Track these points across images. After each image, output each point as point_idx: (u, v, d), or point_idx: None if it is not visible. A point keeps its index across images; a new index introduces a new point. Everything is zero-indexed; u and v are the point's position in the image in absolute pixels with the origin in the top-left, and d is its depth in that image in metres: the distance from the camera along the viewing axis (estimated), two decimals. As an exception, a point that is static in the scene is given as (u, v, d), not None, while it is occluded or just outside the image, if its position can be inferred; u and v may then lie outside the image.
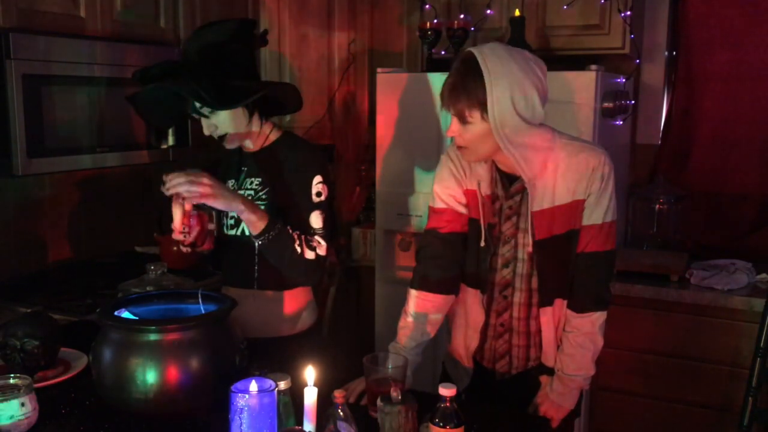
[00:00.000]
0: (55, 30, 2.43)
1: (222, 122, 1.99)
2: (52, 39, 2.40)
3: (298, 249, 1.95)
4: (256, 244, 1.96)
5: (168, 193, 1.84)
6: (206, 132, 2.03)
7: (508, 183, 1.85)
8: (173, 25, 2.90)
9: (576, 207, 1.80)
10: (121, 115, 2.64)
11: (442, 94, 1.75)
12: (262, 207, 2.02)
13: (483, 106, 1.68)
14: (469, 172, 1.87)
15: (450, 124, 1.76)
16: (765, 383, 2.50)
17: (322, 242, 2.01)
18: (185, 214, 1.90)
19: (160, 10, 2.85)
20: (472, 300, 1.95)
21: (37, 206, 2.82)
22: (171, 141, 2.84)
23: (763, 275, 2.88)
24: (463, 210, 1.90)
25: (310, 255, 1.97)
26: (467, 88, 1.69)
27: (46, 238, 2.86)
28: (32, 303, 2.42)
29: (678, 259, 3.03)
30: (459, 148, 1.80)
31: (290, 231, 1.96)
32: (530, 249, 1.83)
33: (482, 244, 1.88)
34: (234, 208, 1.89)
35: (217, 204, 1.86)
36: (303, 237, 1.98)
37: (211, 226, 2.08)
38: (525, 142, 1.72)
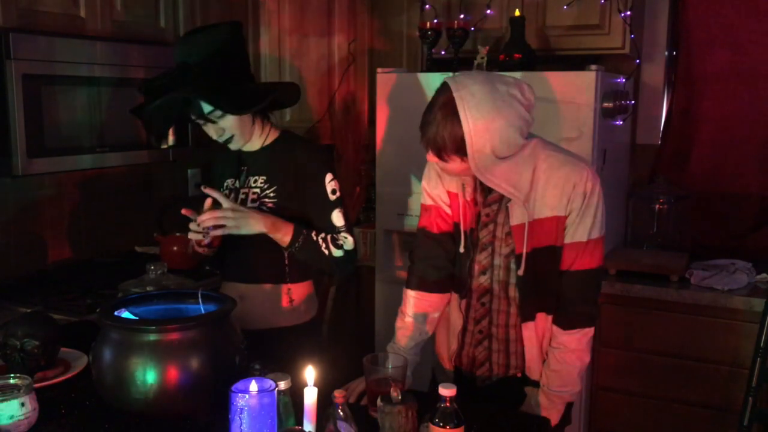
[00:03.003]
0: (55, 30, 2.43)
1: (229, 126, 2.04)
2: (52, 39, 2.40)
3: (326, 251, 2.05)
4: (285, 253, 2.06)
5: (202, 228, 1.97)
6: (214, 136, 2.08)
7: (487, 191, 1.82)
8: (173, 25, 2.90)
9: (556, 223, 1.76)
10: (121, 115, 2.64)
11: (421, 129, 1.69)
12: (270, 204, 2.09)
13: (462, 152, 1.64)
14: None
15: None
16: (765, 383, 2.50)
17: (349, 237, 2.10)
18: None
19: (160, 10, 2.85)
20: (453, 303, 1.95)
21: (37, 206, 2.82)
22: (171, 141, 2.84)
23: (763, 275, 2.88)
24: (449, 210, 1.89)
25: (338, 253, 2.07)
26: (446, 135, 1.64)
27: (46, 238, 2.86)
28: (32, 303, 2.42)
29: (678, 259, 3.03)
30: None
31: (315, 236, 2.05)
32: (507, 258, 1.81)
33: (461, 249, 1.86)
34: (258, 231, 1.99)
35: (243, 232, 1.98)
36: (328, 237, 2.07)
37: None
38: (505, 168, 1.69)
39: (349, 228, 2.11)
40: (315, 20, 3.49)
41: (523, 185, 1.73)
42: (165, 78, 1.99)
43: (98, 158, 2.60)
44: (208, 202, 1.99)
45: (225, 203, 1.97)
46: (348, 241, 2.08)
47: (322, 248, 2.05)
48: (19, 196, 2.75)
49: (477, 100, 1.62)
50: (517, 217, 1.77)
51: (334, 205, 2.09)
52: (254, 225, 1.98)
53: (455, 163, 1.68)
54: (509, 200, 1.77)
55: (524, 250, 1.78)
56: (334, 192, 2.10)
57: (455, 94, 1.63)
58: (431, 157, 1.71)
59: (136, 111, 2.04)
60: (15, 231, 2.74)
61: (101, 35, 2.60)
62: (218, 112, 2.00)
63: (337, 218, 2.09)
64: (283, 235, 2.02)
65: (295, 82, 2.24)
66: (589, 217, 1.76)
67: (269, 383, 1.37)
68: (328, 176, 2.09)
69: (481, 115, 1.61)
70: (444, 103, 1.65)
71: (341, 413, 1.40)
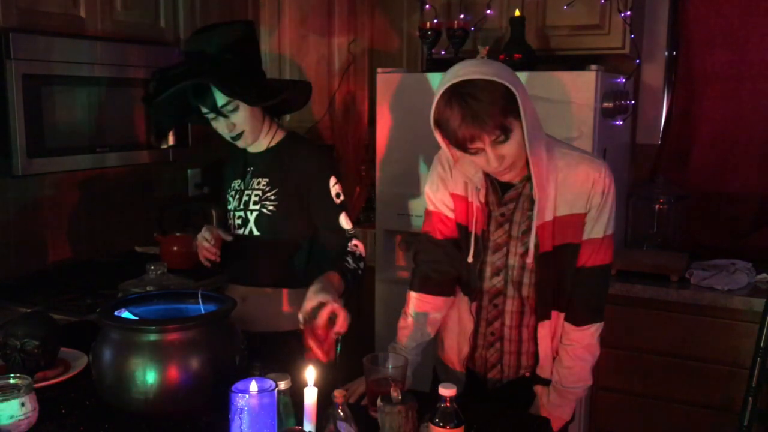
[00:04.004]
0: (55, 30, 2.43)
1: (241, 121, 2.03)
2: (52, 39, 2.40)
3: (359, 272, 2.05)
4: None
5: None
6: (224, 131, 2.06)
7: (501, 190, 1.81)
8: (173, 25, 2.90)
9: (575, 220, 1.76)
10: (121, 115, 2.64)
11: (457, 133, 1.60)
12: (271, 207, 2.08)
13: (512, 104, 1.60)
14: (457, 175, 1.82)
15: (488, 156, 1.63)
16: (765, 383, 2.49)
17: (359, 244, 2.10)
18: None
19: (160, 10, 2.85)
20: (462, 306, 1.93)
21: (37, 206, 2.82)
22: (171, 141, 2.84)
23: (763, 275, 2.88)
24: (451, 214, 1.88)
25: (362, 265, 2.08)
26: (492, 98, 1.58)
27: (46, 238, 2.86)
28: (32, 303, 2.42)
29: (678, 259, 3.03)
30: (500, 174, 1.72)
31: (348, 265, 2.00)
32: (522, 258, 1.80)
33: (471, 252, 1.84)
34: (332, 294, 1.82)
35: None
36: (352, 259, 2.04)
37: (229, 238, 2.12)
38: (538, 149, 1.70)
39: (356, 233, 2.12)
40: (315, 20, 3.49)
41: (542, 175, 1.73)
42: (181, 67, 1.97)
43: (98, 158, 2.60)
44: (324, 316, 1.75)
45: (331, 301, 1.77)
46: (359, 249, 2.10)
47: (358, 272, 2.05)
48: (19, 196, 2.75)
49: (483, 62, 1.65)
50: (543, 215, 1.76)
51: (340, 208, 2.09)
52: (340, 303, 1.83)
53: (516, 130, 1.62)
54: (526, 198, 1.77)
55: (522, 240, 1.79)
56: (338, 195, 2.09)
57: (465, 76, 1.59)
58: (496, 156, 1.63)
59: (147, 100, 2.02)
60: (15, 231, 2.74)
61: (101, 35, 2.60)
62: (231, 106, 1.99)
63: (345, 221, 2.10)
64: (340, 288, 1.91)
65: (310, 83, 2.22)
66: (606, 214, 1.77)
67: (269, 383, 1.37)
68: (332, 180, 2.08)
69: (498, 66, 1.63)
70: (456, 86, 1.59)
71: (341, 413, 1.40)
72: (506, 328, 1.88)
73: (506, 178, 1.76)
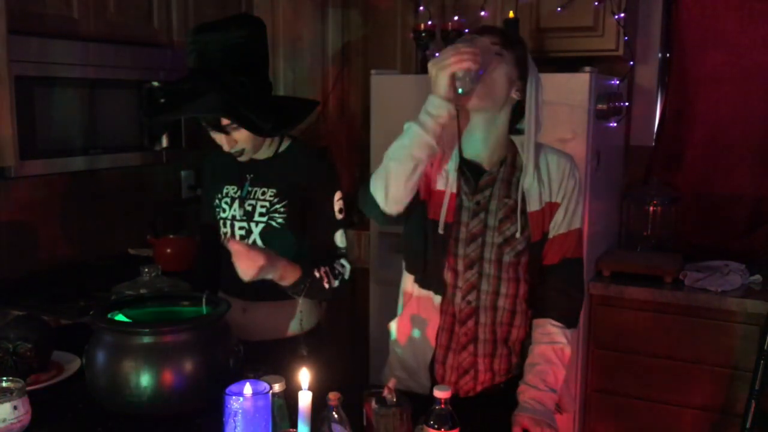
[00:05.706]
0: (48, 31, 2.42)
1: (243, 138, 1.95)
2: (45, 40, 2.39)
3: (327, 285, 1.94)
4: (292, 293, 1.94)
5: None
6: (225, 147, 1.98)
7: (474, 177, 1.76)
8: (166, 26, 2.89)
9: (550, 210, 1.76)
10: (114, 117, 2.63)
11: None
12: (280, 220, 2.01)
13: (520, 65, 1.71)
14: (438, 172, 1.77)
15: (481, 46, 1.68)
16: None
17: (347, 264, 2.02)
18: None
19: (153, 11, 2.84)
20: (423, 303, 1.83)
21: (30, 208, 2.81)
22: (164, 143, 2.83)
23: (757, 276, 2.89)
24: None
25: (335, 284, 1.97)
26: (513, 40, 1.74)
27: (38, 240, 2.84)
28: (25, 305, 2.41)
29: (672, 260, 3.04)
30: (467, 96, 1.68)
31: (317, 274, 1.92)
32: (501, 249, 1.74)
33: (441, 223, 1.75)
34: (274, 276, 1.85)
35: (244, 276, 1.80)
36: (327, 270, 1.95)
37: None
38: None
39: (348, 253, 2.05)
40: (309, 21, 3.49)
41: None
42: (188, 83, 1.90)
43: (91, 160, 2.59)
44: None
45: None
46: (346, 270, 2.01)
47: (324, 283, 1.93)
48: (11, 197, 2.74)
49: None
50: (535, 202, 1.74)
51: (339, 224, 2.02)
52: (275, 270, 1.83)
53: (504, 66, 1.70)
54: (502, 184, 1.74)
55: (495, 228, 1.76)
56: (341, 211, 2.03)
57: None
58: (481, 48, 1.67)
59: (149, 113, 1.99)
60: (7, 233, 2.73)
61: (94, 36, 2.58)
62: (235, 124, 1.90)
63: (340, 238, 2.03)
64: (289, 282, 1.88)
65: (316, 99, 2.17)
66: (580, 204, 1.79)
67: (263, 386, 1.36)
68: (338, 194, 2.02)
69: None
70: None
71: (336, 416, 1.39)
72: (480, 326, 1.78)
73: (473, 103, 1.70)
